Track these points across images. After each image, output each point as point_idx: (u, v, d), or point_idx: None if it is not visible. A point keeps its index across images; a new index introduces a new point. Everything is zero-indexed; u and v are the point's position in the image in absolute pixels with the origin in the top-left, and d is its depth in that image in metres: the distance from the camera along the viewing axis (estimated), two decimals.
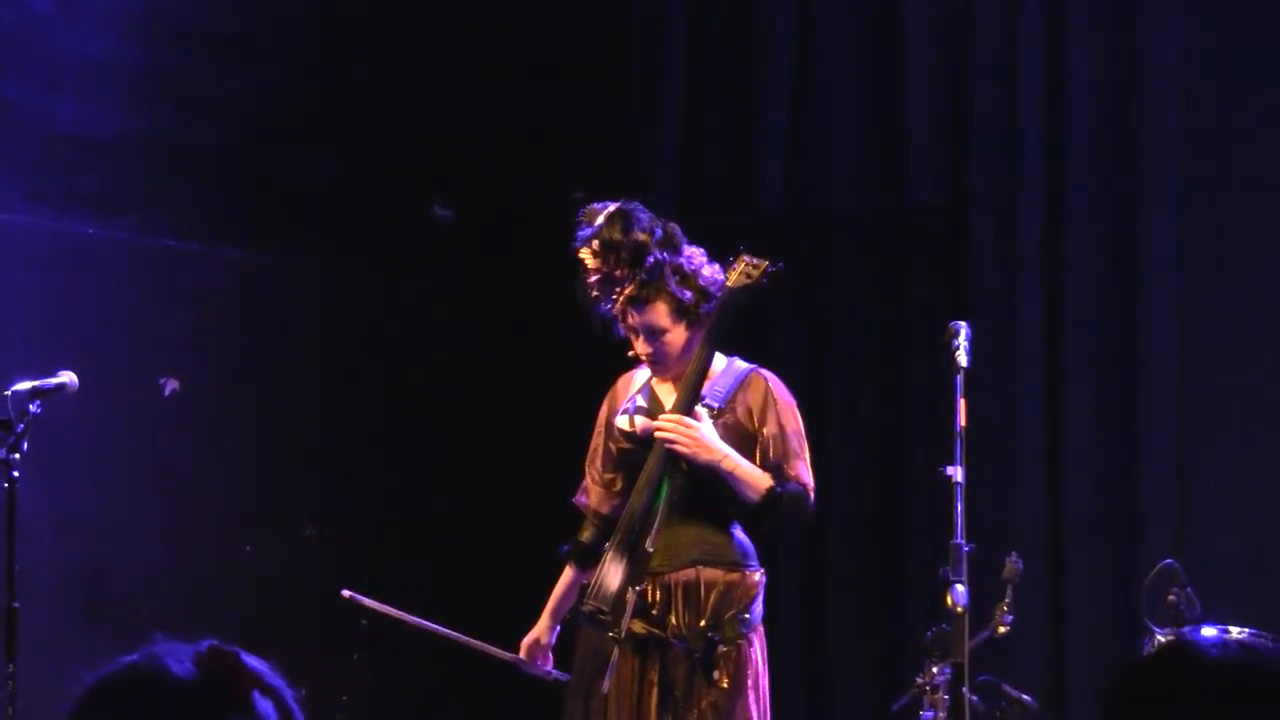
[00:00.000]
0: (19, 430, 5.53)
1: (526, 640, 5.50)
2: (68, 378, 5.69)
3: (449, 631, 5.60)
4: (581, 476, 5.51)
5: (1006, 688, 5.79)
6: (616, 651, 5.16)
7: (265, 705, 2.00)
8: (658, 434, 5.22)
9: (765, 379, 5.38)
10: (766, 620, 5.36)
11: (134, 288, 6.85)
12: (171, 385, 6.79)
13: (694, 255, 5.29)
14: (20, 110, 6.63)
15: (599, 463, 5.46)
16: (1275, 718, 2.09)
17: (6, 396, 5.55)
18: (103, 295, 6.77)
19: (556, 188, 7.24)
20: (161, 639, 2.05)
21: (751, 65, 7.54)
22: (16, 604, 5.54)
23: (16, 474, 5.54)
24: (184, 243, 6.96)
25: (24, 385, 5.60)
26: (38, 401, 5.58)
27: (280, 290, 7.22)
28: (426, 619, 5.63)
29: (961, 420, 5.08)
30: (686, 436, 5.18)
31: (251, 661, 2.01)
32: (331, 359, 7.31)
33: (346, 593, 5.64)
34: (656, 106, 7.69)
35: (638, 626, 5.17)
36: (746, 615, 5.23)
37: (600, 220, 5.24)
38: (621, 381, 5.51)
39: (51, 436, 5.92)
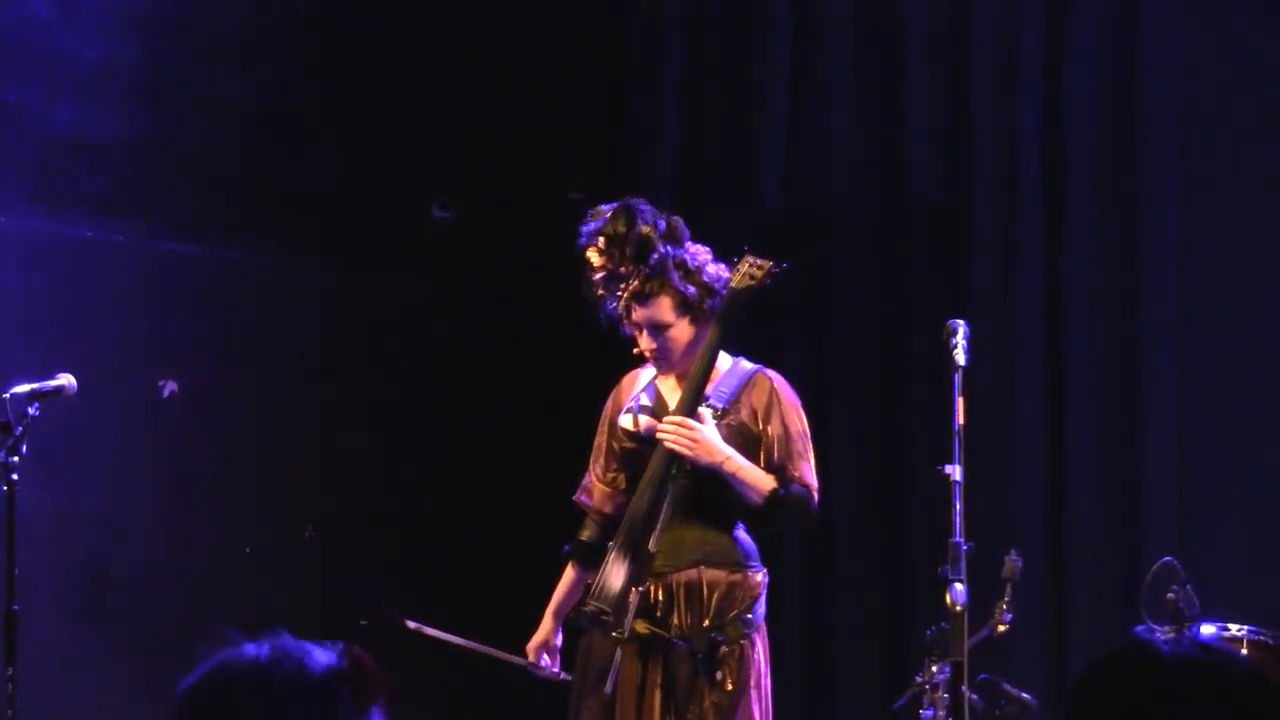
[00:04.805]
0: (18, 433, 5.54)
1: (532, 643, 5.49)
2: (66, 380, 5.70)
3: (462, 640, 5.56)
4: (583, 475, 5.51)
5: (1006, 686, 5.78)
6: (620, 652, 5.17)
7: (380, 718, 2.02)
8: (659, 436, 5.21)
9: (771, 379, 5.37)
10: (769, 620, 5.35)
11: (133, 289, 6.85)
12: (170, 387, 6.79)
13: (698, 251, 5.29)
14: (19, 113, 6.63)
15: (602, 461, 5.45)
16: (1224, 715, 2.15)
17: (5, 399, 5.56)
18: (102, 297, 6.77)
19: (556, 188, 7.24)
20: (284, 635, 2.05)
21: (751, 62, 7.54)
22: (16, 606, 5.55)
23: (16, 476, 5.55)
24: (183, 244, 6.96)
25: (22, 388, 5.61)
26: (36, 404, 5.59)
27: (280, 290, 7.21)
28: (429, 623, 5.59)
29: (960, 418, 5.08)
30: (688, 439, 5.17)
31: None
32: (331, 359, 7.31)
33: (405, 617, 5.59)
34: (657, 105, 7.69)
35: (641, 627, 5.16)
36: (749, 615, 5.23)
37: (605, 217, 5.26)
38: (627, 379, 5.50)
39: (51, 439, 5.93)
